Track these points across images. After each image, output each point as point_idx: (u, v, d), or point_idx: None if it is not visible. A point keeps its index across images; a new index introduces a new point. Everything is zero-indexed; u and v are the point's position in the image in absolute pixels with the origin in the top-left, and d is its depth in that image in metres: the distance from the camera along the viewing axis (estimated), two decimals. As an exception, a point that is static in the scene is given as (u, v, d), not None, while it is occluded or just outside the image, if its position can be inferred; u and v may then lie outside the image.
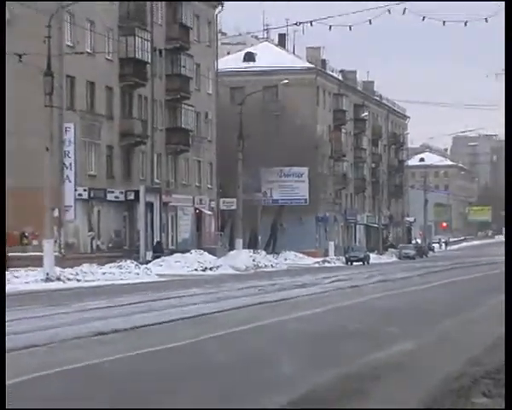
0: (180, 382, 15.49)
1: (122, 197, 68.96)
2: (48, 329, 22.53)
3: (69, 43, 61.65)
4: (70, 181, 60.91)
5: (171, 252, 69.29)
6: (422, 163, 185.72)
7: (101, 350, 18.59)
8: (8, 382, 14.84)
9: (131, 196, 69.59)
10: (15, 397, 13.81)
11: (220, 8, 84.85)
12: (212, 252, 70.06)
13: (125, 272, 54.34)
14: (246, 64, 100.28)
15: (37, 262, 48.79)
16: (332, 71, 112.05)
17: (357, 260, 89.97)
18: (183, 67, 77.05)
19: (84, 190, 64.07)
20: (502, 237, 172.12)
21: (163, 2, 75.13)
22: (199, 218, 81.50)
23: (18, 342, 19.91)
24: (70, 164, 60.83)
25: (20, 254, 55.48)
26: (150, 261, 63.83)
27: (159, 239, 73.51)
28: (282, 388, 14.38)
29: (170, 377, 16.17)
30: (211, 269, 61.54)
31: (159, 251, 69.40)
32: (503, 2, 8.56)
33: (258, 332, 22.57)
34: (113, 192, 67.97)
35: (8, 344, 19.36)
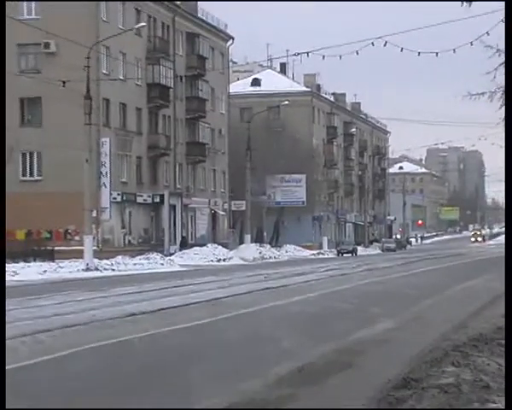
0: (198, 354, 15.54)
1: (149, 200, 69.09)
2: (88, 311, 22.57)
3: (105, 71, 61.75)
4: (106, 187, 60.95)
5: (191, 246, 69.38)
6: (401, 171, 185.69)
7: (132, 328, 18.63)
8: (60, 353, 14.93)
9: (157, 199, 69.74)
10: (66, 366, 13.87)
11: (231, 41, 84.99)
12: (224, 246, 70.23)
13: (152, 262, 54.47)
14: (253, 88, 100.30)
15: (79, 255, 48.90)
16: (325, 94, 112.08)
17: (346, 252, 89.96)
18: (200, 90, 77.24)
19: (118, 194, 64.16)
20: (468, 233, 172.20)
21: (183, 37, 75.18)
22: (214, 217, 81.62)
23: (65, 321, 19.97)
24: (106, 172, 60.88)
25: (64, 248, 55.63)
26: (173, 254, 63.92)
27: (184, 235, 73.87)
28: (282, 360, 14.42)
29: (189, 351, 16.21)
30: (224, 260, 61.60)
31: (184, 245, 69.56)
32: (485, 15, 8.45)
33: (264, 313, 22.57)
34: (141, 196, 68.08)
35: (57, 323, 19.44)
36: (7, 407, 6.59)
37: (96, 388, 12.18)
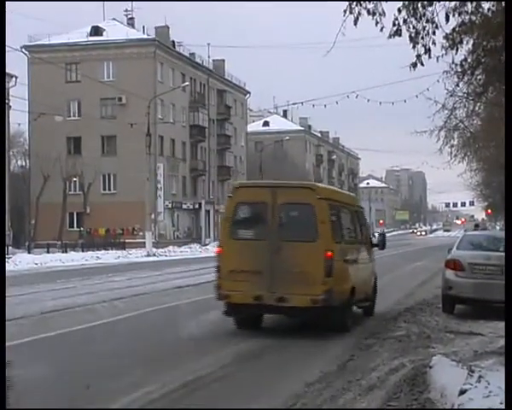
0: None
1: (191, 207, 69.02)
2: (148, 284, 22.63)
3: (160, 116, 61.75)
4: (161, 197, 61.10)
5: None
6: (368, 186, 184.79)
7: (180, 296, 18.66)
8: (129, 314, 14.92)
9: (197, 206, 69.64)
10: (133, 324, 13.86)
11: (248, 95, 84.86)
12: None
13: (193, 250, 54.54)
14: (263, 128, 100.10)
15: (142, 245, 48.94)
16: (314, 131, 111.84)
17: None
18: (227, 130, 77.20)
19: (169, 203, 64.19)
20: (414, 230, 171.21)
21: (215, 92, 75.20)
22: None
23: (133, 291, 19.99)
24: (160, 187, 61.02)
25: (132, 240, 55.65)
26: (208, 244, 63.81)
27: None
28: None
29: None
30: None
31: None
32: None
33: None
34: (186, 204, 68.04)
35: (127, 293, 19.47)
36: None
37: (154, 338, 12.21)
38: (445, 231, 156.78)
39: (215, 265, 12.63)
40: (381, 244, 16.11)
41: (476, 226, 63.56)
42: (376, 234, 18.58)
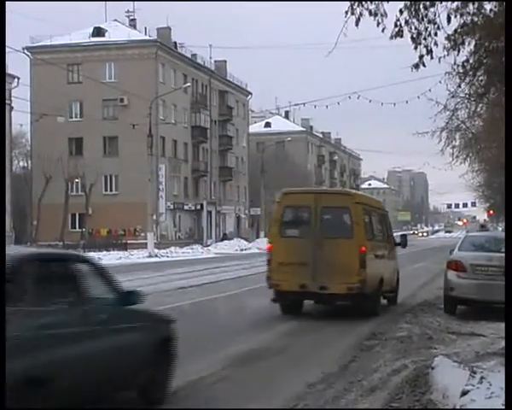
0: (229, 314, 15.55)
1: (193, 207, 68.97)
2: (151, 285, 22.61)
3: (162, 117, 61.74)
4: (162, 198, 61.05)
5: (222, 239, 69.20)
6: (370, 186, 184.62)
7: (183, 297, 18.65)
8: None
9: (198, 207, 69.58)
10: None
11: (250, 96, 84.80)
12: (246, 239, 70.03)
13: (195, 251, 54.48)
14: (265, 129, 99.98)
15: (144, 246, 48.95)
16: (316, 132, 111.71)
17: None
18: (229, 130, 77.16)
19: (171, 204, 64.15)
20: (415, 231, 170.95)
21: (216, 93, 75.21)
22: (238, 219, 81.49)
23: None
24: (162, 188, 60.97)
25: (133, 241, 55.65)
26: (209, 245, 63.75)
27: (225, 232, 73.82)
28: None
29: (224, 312, 16.22)
30: (245, 250, 61.37)
31: (226, 238, 69.09)
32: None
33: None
34: (187, 204, 68.00)
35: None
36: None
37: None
38: (447, 232, 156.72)
39: (266, 259, 15.11)
40: (403, 243, 18.56)
41: (482, 227, 63.54)
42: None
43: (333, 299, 14.74)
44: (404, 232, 20.82)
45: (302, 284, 14.42)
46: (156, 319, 8.37)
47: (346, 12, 8.09)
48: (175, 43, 67.66)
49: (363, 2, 8.07)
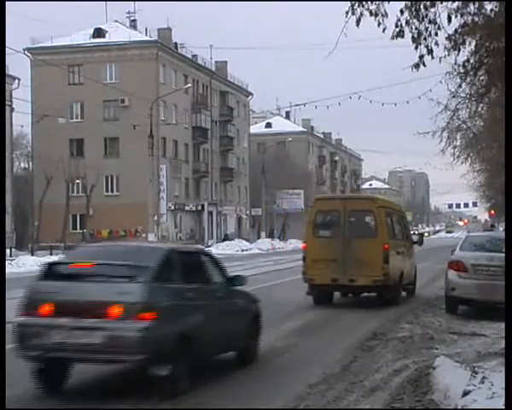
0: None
1: (194, 208, 68.98)
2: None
3: (162, 118, 61.77)
4: (163, 199, 60.97)
5: (223, 240, 69.24)
6: (371, 187, 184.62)
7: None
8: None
9: (199, 208, 69.62)
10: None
11: (251, 96, 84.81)
12: (247, 240, 70.02)
13: (196, 252, 54.36)
14: (266, 130, 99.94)
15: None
16: (317, 133, 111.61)
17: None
18: (229, 131, 77.19)
19: (172, 204, 64.11)
20: (416, 231, 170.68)
21: (217, 94, 75.24)
22: (239, 220, 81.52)
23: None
24: (163, 189, 60.88)
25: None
26: (210, 246, 63.73)
27: (227, 232, 73.82)
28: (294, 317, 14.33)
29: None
30: (246, 250, 61.32)
31: (227, 239, 69.08)
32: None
33: (277, 286, 22.60)
34: (188, 205, 68.02)
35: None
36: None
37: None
38: (448, 232, 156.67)
39: (302, 256, 17.54)
40: (420, 242, 21.07)
41: (492, 226, 63.45)
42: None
43: (360, 290, 17.21)
44: (420, 232, 24.29)
45: (333, 277, 16.64)
46: (251, 299, 10.56)
47: (347, 12, 8.09)
48: (176, 43, 67.69)
49: (364, 3, 8.07)
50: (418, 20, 8.30)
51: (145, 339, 7.55)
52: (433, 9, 8.37)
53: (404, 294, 18.56)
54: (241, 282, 10.04)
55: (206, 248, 57.26)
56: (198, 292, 8.77)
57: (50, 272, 8.21)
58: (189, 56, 69.58)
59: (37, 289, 8.16)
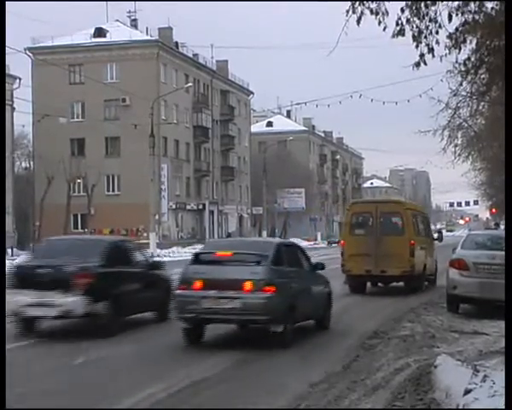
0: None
1: (195, 207, 69.00)
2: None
3: (163, 117, 61.76)
4: (165, 198, 61.04)
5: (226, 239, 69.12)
6: (372, 185, 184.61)
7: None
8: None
9: (201, 207, 69.62)
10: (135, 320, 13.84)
11: (252, 95, 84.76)
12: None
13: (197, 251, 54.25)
14: (267, 128, 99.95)
15: (146, 246, 48.78)
16: (318, 131, 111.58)
17: (334, 243, 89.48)
18: (231, 130, 77.17)
19: (173, 203, 64.14)
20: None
21: (218, 93, 75.21)
22: (240, 219, 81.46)
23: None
24: (164, 188, 60.96)
25: (136, 241, 55.55)
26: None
27: (229, 231, 73.80)
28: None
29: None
30: (248, 249, 61.02)
31: (229, 238, 68.86)
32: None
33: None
34: (190, 204, 68.04)
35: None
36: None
37: (159, 340, 12.16)
38: (448, 231, 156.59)
39: (340, 251, 20.66)
40: (439, 239, 23.61)
41: (496, 225, 63.44)
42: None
43: (390, 280, 20.25)
44: (439, 230, 29.61)
45: (367, 269, 19.58)
46: (326, 280, 13.66)
47: (348, 11, 8.08)
48: (176, 43, 67.67)
49: (365, 1, 8.06)
50: (419, 19, 8.29)
51: (268, 305, 10.69)
52: (433, 8, 8.36)
53: (426, 283, 21.07)
54: (322, 267, 13.37)
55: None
56: (297, 274, 12.08)
57: (198, 259, 11.56)
58: (190, 56, 69.58)
59: (189, 270, 11.38)
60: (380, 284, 21.29)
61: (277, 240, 14.67)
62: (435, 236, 23.76)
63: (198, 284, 10.99)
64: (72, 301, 11.80)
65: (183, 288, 11.17)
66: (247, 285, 10.76)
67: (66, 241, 15.16)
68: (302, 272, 12.53)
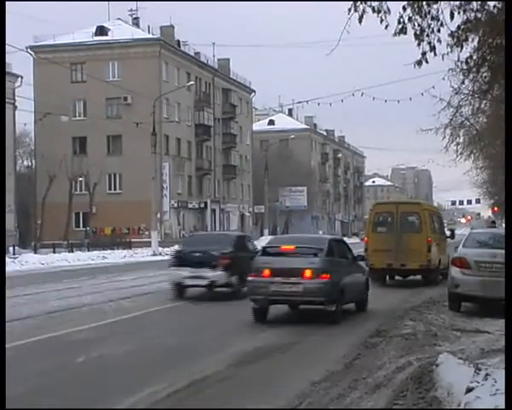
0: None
1: (197, 206, 69.00)
2: (155, 283, 22.64)
3: (165, 116, 61.75)
4: (166, 197, 61.09)
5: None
6: (374, 184, 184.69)
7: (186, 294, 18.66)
8: (135, 314, 14.86)
9: (202, 205, 69.60)
10: (139, 323, 13.84)
11: (254, 93, 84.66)
12: (250, 237, 69.81)
13: (199, 249, 54.23)
14: (269, 127, 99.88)
15: (148, 244, 48.88)
16: (320, 130, 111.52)
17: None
18: (232, 128, 77.15)
19: (175, 202, 64.17)
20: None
21: (220, 91, 75.13)
22: (242, 217, 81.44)
23: (139, 290, 19.99)
24: (166, 187, 60.99)
25: (138, 240, 55.58)
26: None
27: (231, 229, 73.77)
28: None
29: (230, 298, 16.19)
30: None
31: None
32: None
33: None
34: (191, 203, 68.03)
35: (133, 292, 19.46)
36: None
37: (159, 339, 12.22)
38: (449, 230, 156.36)
39: (364, 247, 22.12)
40: (452, 236, 25.28)
41: (493, 223, 63.46)
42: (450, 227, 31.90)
43: (409, 273, 22.30)
44: (452, 228, 31.32)
45: (389, 263, 21.64)
46: (364, 269, 16.11)
47: (350, 9, 8.08)
48: (178, 41, 67.65)
49: (367, 0, 8.06)
50: (421, 17, 8.29)
51: (324, 289, 13.02)
52: (435, 6, 8.35)
53: (440, 277, 22.45)
54: (362, 258, 16.09)
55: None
56: (344, 264, 14.46)
57: (265, 251, 13.97)
58: (192, 54, 69.56)
59: (259, 261, 13.74)
60: (398, 277, 23.18)
61: (329, 236, 18.06)
62: (448, 234, 25.51)
63: (267, 271, 13.31)
64: (217, 275, 17.38)
65: (254, 275, 13.50)
66: (307, 273, 13.12)
67: (207, 235, 25.94)
68: (347, 262, 14.87)
